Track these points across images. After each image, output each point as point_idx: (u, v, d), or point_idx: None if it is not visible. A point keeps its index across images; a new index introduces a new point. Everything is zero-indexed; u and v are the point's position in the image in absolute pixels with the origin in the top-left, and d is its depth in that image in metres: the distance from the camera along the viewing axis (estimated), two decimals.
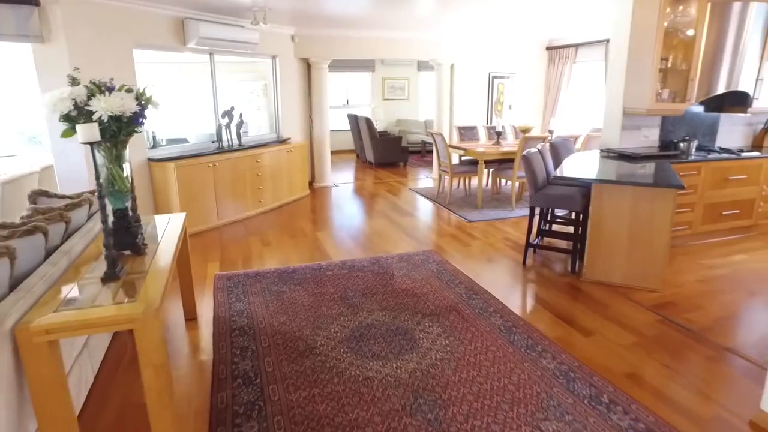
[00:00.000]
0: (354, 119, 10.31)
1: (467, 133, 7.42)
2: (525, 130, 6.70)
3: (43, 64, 4.12)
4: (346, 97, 12.13)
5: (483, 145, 6.86)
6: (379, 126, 11.77)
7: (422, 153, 11.13)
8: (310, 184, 7.85)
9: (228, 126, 5.91)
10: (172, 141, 6.08)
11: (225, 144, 5.92)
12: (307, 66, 7.48)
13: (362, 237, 5.10)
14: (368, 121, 9.47)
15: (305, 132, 7.70)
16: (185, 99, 6.49)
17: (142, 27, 4.83)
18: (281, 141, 6.82)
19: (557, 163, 4.91)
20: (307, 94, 7.61)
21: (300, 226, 5.52)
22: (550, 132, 6.96)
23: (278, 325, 3.14)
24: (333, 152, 12.30)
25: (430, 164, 9.92)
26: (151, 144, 5.33)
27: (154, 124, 5.53)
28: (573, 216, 4.38)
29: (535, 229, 4.35)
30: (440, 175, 6.82)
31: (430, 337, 2.97)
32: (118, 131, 2.13)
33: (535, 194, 4.06)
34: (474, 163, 6.48)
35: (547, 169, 4.42)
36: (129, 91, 2.19)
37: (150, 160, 5.05)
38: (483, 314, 3.26)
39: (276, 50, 6.78)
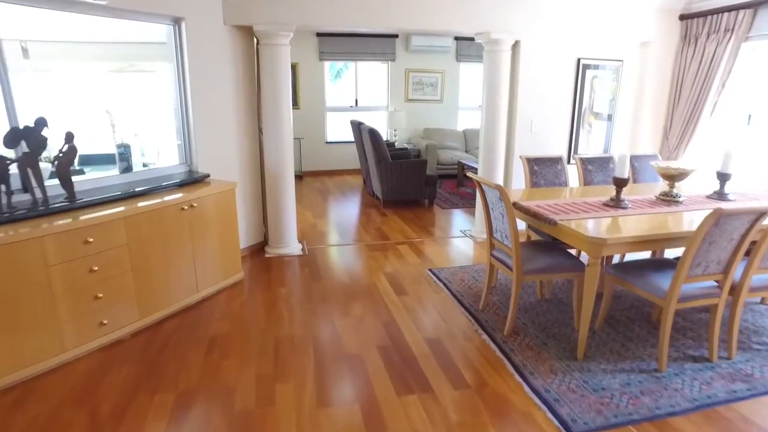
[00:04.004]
0: (357, 129, 6.95)
1: (545, 170, 3.91)
2: (678, 177, 3.17)
3: None
4: (354, 97, 8.78)
5: (585, 204, 3.32)
6: (398, 138, 8.39)
7: (458, 180, 7.61)
8: (262, 248, 4.57)
9: (26, 163, 2.69)
10: None
11: (35, 197, 2.72)
12: (255, 42, 4.20)
13: None
14: (374, 134, 6.07)
15: (250, 159, 4.40)
16: None
17: None
18: (189, 183, 3.57)
19: None
20: (256, 93, 4.32)
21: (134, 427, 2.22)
22: (722, 178, 3.37)
23: None
24: (333, 173, 8.88)
25: (470, 201, 6.45)
26: None
27: None
28: None
29: None
30: (492, 266, 3.35)
31: None
32: None
33: None
34: (560, 243, 3.00)
35: None
36: None
37: None
38: None
39: (180, 9, 3.53)
